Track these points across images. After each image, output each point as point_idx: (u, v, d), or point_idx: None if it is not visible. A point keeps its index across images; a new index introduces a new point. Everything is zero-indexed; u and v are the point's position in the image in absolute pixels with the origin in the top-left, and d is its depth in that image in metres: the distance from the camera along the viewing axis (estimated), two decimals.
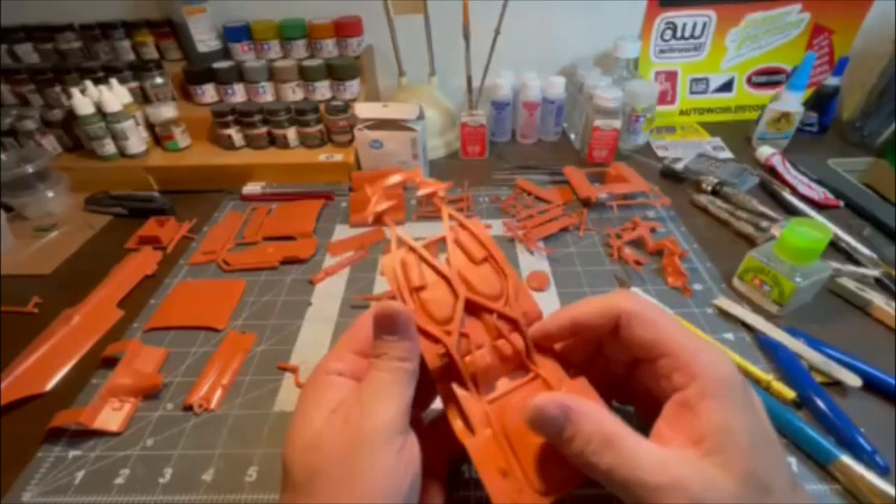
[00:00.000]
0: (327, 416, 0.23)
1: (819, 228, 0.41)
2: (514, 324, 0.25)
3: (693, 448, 0.20)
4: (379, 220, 0.28)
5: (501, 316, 0.25)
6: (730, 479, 0.19)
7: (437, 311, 0.25)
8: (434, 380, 0.25)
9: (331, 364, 0.25)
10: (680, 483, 0.19)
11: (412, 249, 0.27)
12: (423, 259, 0.27)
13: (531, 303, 0.26)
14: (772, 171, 0.66)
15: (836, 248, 0.52)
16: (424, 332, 0.25)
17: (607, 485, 0.20)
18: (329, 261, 0.54)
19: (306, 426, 0.23)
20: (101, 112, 0.64)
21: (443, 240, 0.28)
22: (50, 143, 0.69)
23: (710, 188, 0.61)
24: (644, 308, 0.24)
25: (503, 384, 0.25)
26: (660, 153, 0.73)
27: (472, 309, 0.26)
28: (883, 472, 0.32)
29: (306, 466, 0.21)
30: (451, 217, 0.29)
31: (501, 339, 0.25)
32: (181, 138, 0.69)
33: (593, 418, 0.21)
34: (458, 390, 0.25)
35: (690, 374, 0.21)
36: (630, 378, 0.26)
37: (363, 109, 0.63)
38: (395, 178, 0.30)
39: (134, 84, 0.71)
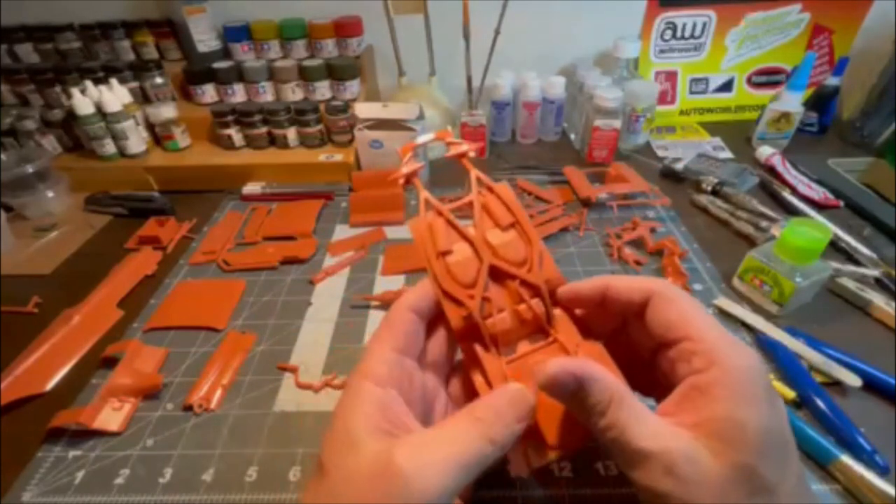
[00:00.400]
0: (372, 433, 0.21)
1: (819, 228, 0.41)
2: (535, 290, 0.26)
3: (692, 429, 0.20)
4: (409, 181, 0.29)
5: (524, 282, 0.26)
6: (719, 465, 0.19)
7: (461, 275, 0.26)
8: (457, 339, 0.26)
9: (373, 367, 0.23)
10: (665, 453, 0.19)
11: (440, 213, 0.28)
12: (450, 223, 0.28)
13: (554, 270, 0.27)
14: (772, 171, 0.66)
15: (836, 248, 0.52)
16: (449, 296, 0.26)
17: (604, 445, 0.21)
18: (329, 261, 0.54)
19: (350, 436, 0.21)
20: (101, 112, 0.64)
21: (470, 204, 0.28)
22: (50, 143, 0.69)
23: (710, 188, 0.61)
24: (674, 292, 0.24)
25: (522, 346, 0.27)
26: (660, 153, 0.73)
27: (496, 274, 0.27)
28: (883, 472, 0.32)
29: (340, 482, 0.20)
30: (479, 181, 0.29)
31: (522, 304, 0.26)
32: (181, 138, 0.69)
33: (602, 384, 0.21)
34: (480, 350, 0.26)
35: (710, 359, 0.21)
36: (652, 366, 0.26)
37: (363, 109, 0.63)
38: (425, 137, 0.31)
39: (134, 84, 0.71)
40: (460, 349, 0.27)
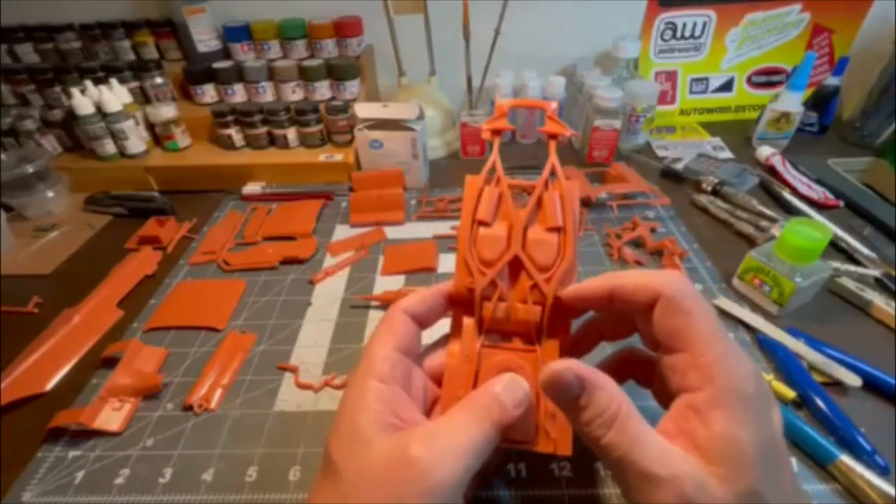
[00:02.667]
0: (381, 429, 0.21)
1: (819, 228, 0.41)
2: (542, 298, 0.26)
3: (693, 452, 0.20)
4: (494, 136, 0.29)
5: (535, 286, 0.26)
6: (727, 493, 0.18)
7: (485, 251, 0.26)
8: (452, 303, 0.27)
9: (377, 365, 0.24)
10: (676, 479, 0.19)
11: (499, 182, 0.27)
12: (503, 197, 0.27)
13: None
14: (772, 171, 0.66)
15: (836, 248, 0.52)
16: (465, 264, 0.26)
17: (604, 460, 0.21)
18: (329, 261, 0.54)
19: (358, 431, 0.22)
20: (101, 112, 0.64)
21: (531, 189, 0.27)
22: (50, 143, 0.69)
23: (710, 188, 0.61)
24: (684, 294, 0.22)
25: (507, 340, 0.27)
26: (660, 153, 0.73)
27: (516, 266, 0.26)
28: (883, 472, 0.32)
29: (354, 476, 0.21)
30: (552, 172, 0.28)
31: (524, 305, 0.26)
32: (181, 138, 0.69)
33: (608, 393, 0.21)
34: (467, 322, 0.26)
35: (706, 377, 0.20)
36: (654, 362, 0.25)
37: (363, 109, 0.63)
38: (526, 101, 0.31)
39: (134, 84, 0.71)
40: (451, 313, 0.27)
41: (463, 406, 0.23)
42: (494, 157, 0.28)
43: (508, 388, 0.23)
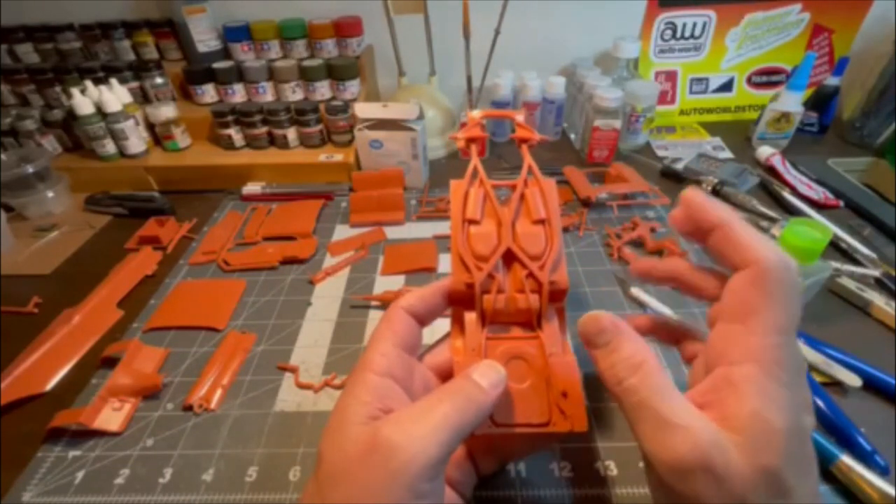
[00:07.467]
0: (366, 419, 0.22)
1: (819, 228, 0.41)
2: (538, 286, 0.27)
3: (717, 422, 0.19)
4: (467, 146, 0.31)
5: (531, 275, 0.27)
6: (745, 464, 0.18)
7: (479, 247, 0.27)
8: (452, 300, 0.28)
9: (374, 359, 0.24)
10: (694, 430, 0.18)
11: (482, 183, 0.29)
12: (488, 197, 0.29)
13: (563, 276, 0.27)
14: (772, 171, 0.66)
15: (836, 248, 0.52)
16: (462, 261, 0.27)
17: (623, 406, 0.21)
18: (329, 261, 0.54)
19: (343, 423, 0.22)
20: (101, 112, 0.64)
21: (513, 187, 0.29)
22: (50, 143, 0.69)
23: (710, 188, 0.61)
24: (779, 276, 0.21)
25: (507, 330, 0.28)
26: (660, 153, 0.73)
27: (509, 259, 0.28)
28: (883, 472, 0.32)
29: (331, 465, 0.21)
30: (529, 170, 0.30)
31: (522, 294, 0.27)
32: (181, 138, 0.69)
33: (638, 344, 0.22)
34: (468, 317, 0.27)
35: (755, 356, 0.20)
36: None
37: (363, 109, 0.63)
38: (493, 111, 0.33)
39: (134, 84, 0.71)
40: (451, 311, 0.28)
41: (437, 391, 0.23)
42: (474, 161, 0.30)
43: (483, 372, 0.24)
